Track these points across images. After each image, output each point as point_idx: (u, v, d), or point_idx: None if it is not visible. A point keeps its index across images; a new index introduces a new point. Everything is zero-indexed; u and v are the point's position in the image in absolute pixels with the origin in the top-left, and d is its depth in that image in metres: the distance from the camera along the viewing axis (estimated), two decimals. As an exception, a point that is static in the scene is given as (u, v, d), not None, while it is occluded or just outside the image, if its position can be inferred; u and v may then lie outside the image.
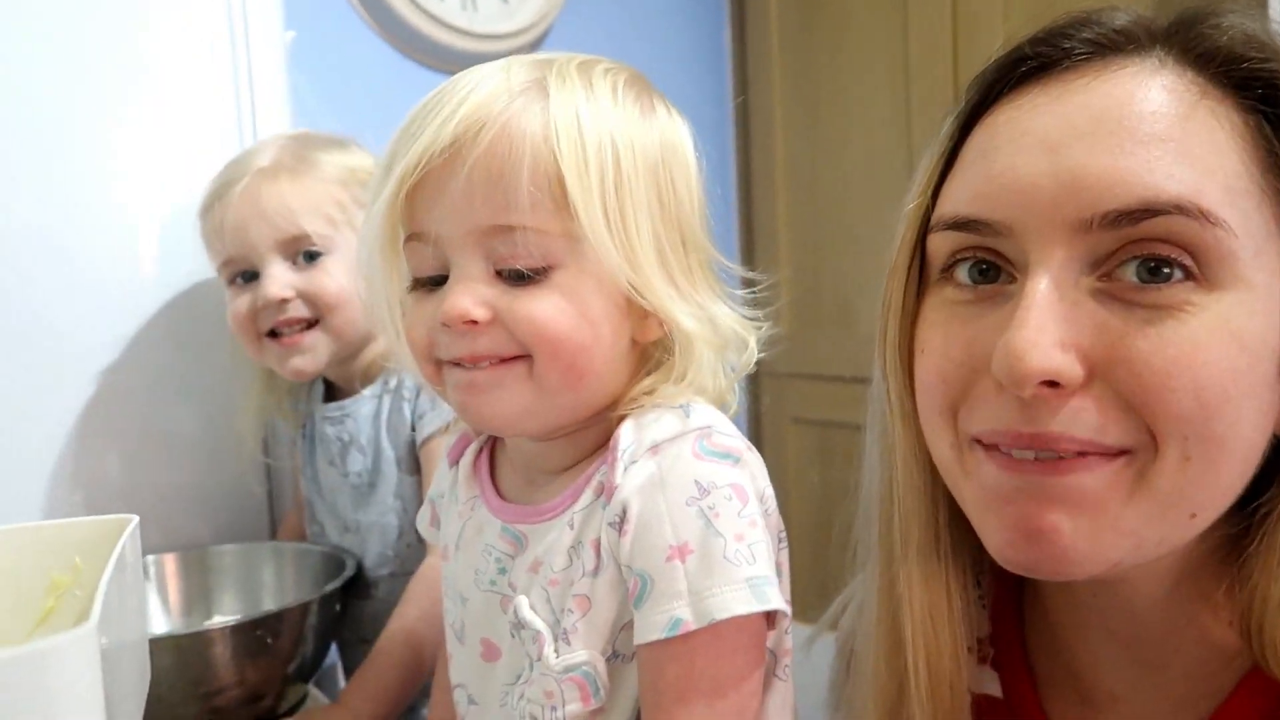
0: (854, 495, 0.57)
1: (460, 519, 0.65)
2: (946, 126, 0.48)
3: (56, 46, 1.05)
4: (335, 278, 0.94)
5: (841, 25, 1.65)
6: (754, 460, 0.57)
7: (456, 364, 0.57)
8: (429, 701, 0.89)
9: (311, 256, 0.94)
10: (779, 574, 0.56)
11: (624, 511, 0.54)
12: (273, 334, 0.95)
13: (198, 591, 1.03)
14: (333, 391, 1.05)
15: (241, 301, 0.95)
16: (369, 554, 0.99)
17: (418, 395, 0.96)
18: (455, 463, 0.68)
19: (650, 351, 0.60)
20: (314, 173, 0.94)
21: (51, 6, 1.05)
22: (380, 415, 0.98)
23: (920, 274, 0.48)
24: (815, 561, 0.64)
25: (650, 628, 0.52)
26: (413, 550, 0.98)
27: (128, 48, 1.10)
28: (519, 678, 0.58)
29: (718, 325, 0.59)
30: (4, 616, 0.49)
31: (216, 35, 1.15)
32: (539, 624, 0.56)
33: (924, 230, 0.48)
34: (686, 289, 0.59)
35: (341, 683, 1.08)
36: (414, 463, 0.97)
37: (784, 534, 0.59)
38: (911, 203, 0.48)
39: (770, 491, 0.57)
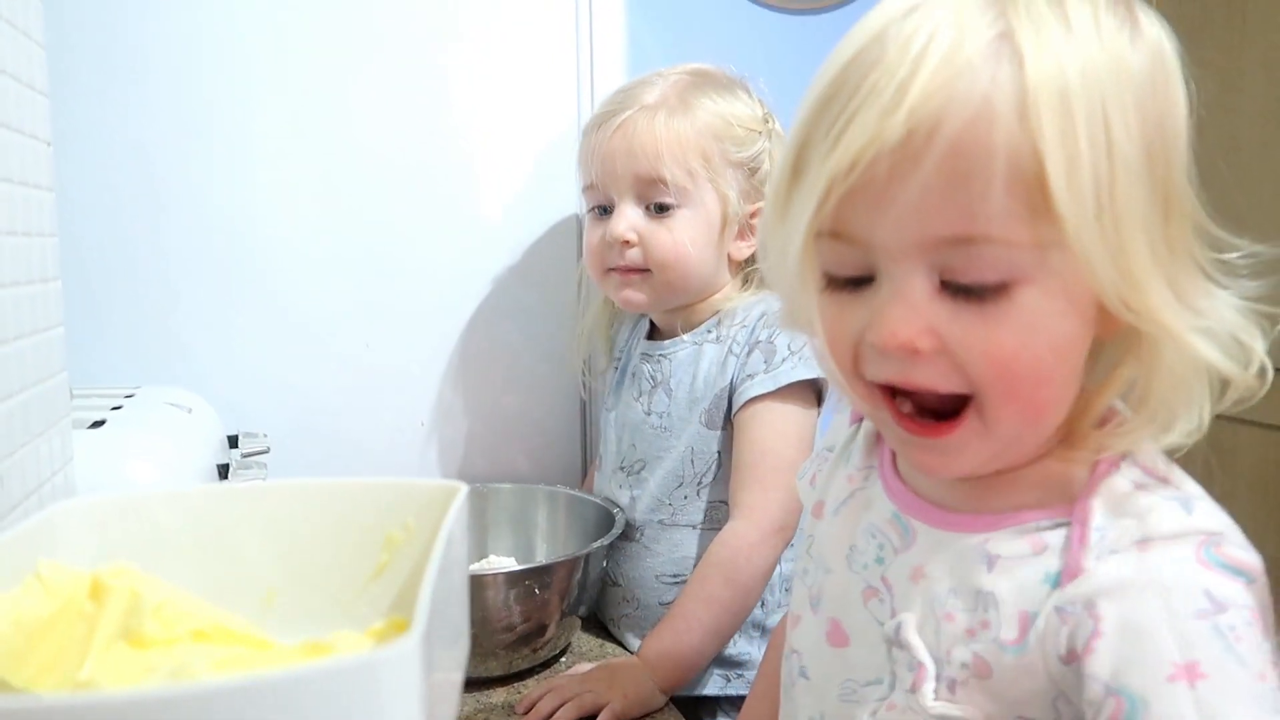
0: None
1: (851, 484, 0.58)
2: None
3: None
4: (676, 234, 0.95)
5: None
6: (1265, 587, 0.45)
7: (900, 414, 0.48)
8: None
9: (662, 208, 0.95)
10: None
11: (1091, 610, 0.44)
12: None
13: (476, 524, 1.09)
14: (654, 331, 1.07)
15: (595, 233, 1.00)
16: (644, 497, 1.00)
17: (749, 353, 0.94)
18: (858, 421, 0.62)
19: (1100, 344, 0.48)
20: (690, 118, 0.95)
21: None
22: (698, 363, 0.98)
23: None
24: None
25: None
26: (688, 501, 0.98)
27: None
28: (871, 683, 0.52)
29: (1219, 334, 0.45)
30: (344, 562, 0.52)
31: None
32: (925, 656, 0.49)
33: None
34: (1183, 284, 0.45)
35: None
36: (717, 417, 0.96)
37: None
38: None
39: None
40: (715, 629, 0.90)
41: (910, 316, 0.45)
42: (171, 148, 1.07)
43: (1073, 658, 0.45)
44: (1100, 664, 0.43)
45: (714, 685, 0.96)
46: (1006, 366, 0.44)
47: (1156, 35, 0.46)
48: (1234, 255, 0.46)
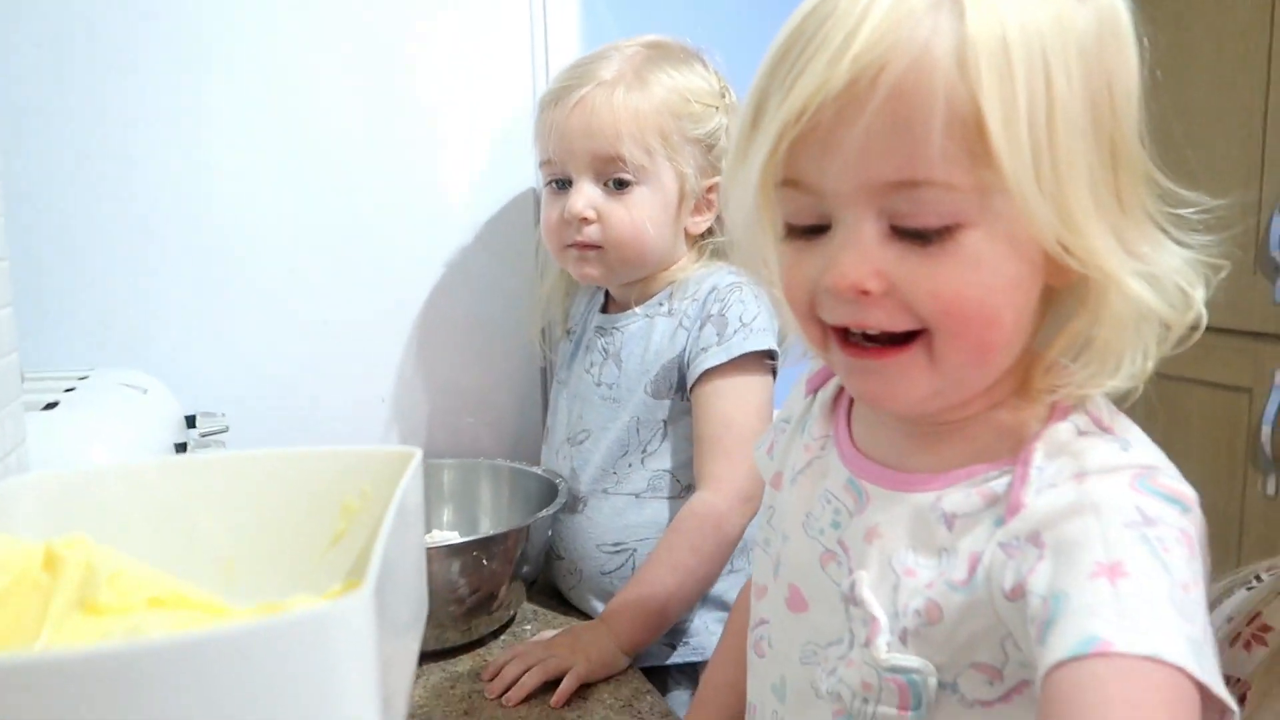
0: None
1: (807, 454, 0.61)
2: None
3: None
4: (633, 212, 0.96)
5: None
6: (1200, 520, 0.46)
7: (845, 342, 0.51)
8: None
9: (621, 184, 0.96)
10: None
11: (1033, 538, 0.46)
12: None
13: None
14: (609, 303, 1.08)
15: (553, 210, 1.00)
16: (589, 468, 1.01)
17: (701, 327, 0.95)
18: (813, 392, 0.64)
19: (1055, 294, 0.50)
20: (647, 94, 0.95)
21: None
22: (649, 335, 0.99)
23: None
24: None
25: (1055, 649, 0.42)
26: (632, 470, 1.00)
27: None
28: (832, 643, 0.54)
29: (1162, 280, 0.47)
30: (301, 531, 0.53)
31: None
32: (878, 610, 0.51)
33: None
34: (1129, 233, 0.47)
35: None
36: (664, 387, 0.98)
37: None
38: None
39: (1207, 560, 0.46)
40: (680, 594, 0.91)
41: (860, 260, 0.47)
42: (118, 124, 1.05)
43: (1017, 593, 0.46)
44: (1039, 581, 0.45)
45: (661, 655, 0.98)
46: (950, 303, 0.47)
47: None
48: (1188, 210, 0.48)
